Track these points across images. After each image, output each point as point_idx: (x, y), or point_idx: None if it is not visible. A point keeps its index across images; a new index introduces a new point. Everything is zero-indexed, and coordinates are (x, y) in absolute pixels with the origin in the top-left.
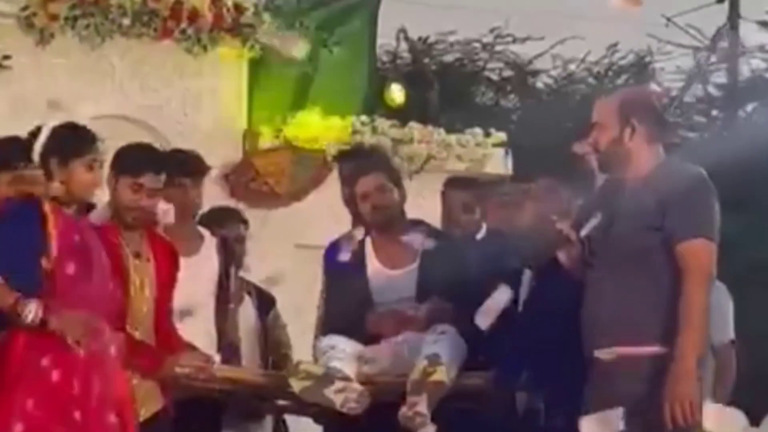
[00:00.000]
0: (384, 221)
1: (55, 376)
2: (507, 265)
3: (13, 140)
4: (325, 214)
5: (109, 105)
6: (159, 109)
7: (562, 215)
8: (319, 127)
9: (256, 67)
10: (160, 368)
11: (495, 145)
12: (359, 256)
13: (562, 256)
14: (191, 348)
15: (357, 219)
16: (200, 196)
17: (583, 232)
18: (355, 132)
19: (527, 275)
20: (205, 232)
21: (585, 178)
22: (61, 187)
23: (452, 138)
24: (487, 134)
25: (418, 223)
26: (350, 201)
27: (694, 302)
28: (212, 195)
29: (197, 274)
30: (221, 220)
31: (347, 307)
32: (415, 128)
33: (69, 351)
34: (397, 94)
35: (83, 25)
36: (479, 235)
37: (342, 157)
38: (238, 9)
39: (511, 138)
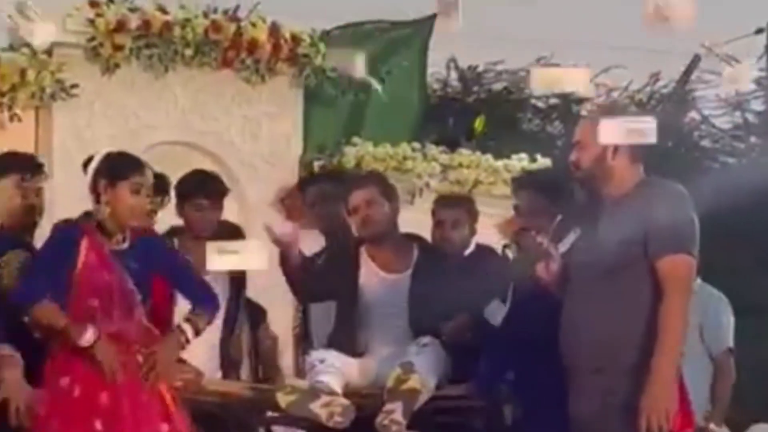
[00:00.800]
0: (372, 234)
1: (77, 392)
2: (495, 279)
3: (17, 153)
4: None
5: (171, 132)
6: (219, 136)
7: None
8: (371, 154)
9: (311, 95)
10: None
11: None
12: (352, 262)
13: (541, 270)
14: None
15: (329, 238)
16: (218, 217)
17: (563, 248)
18: (406, 158)
19: (510, 287)
20: None
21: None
22: (107, 210)
23: (499, 163)
24: (533, 159)
25: (411, 237)
26: (316, 221)
27: (673, 316)
28: (270, 218)
29: None
30: (238, 236)
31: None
32: (463, 154)
33: (90, 369)
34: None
35: (147, 55)
36: (468, 251)
37: (304, 183)
38: (295, 40)
39: (555, 163)
